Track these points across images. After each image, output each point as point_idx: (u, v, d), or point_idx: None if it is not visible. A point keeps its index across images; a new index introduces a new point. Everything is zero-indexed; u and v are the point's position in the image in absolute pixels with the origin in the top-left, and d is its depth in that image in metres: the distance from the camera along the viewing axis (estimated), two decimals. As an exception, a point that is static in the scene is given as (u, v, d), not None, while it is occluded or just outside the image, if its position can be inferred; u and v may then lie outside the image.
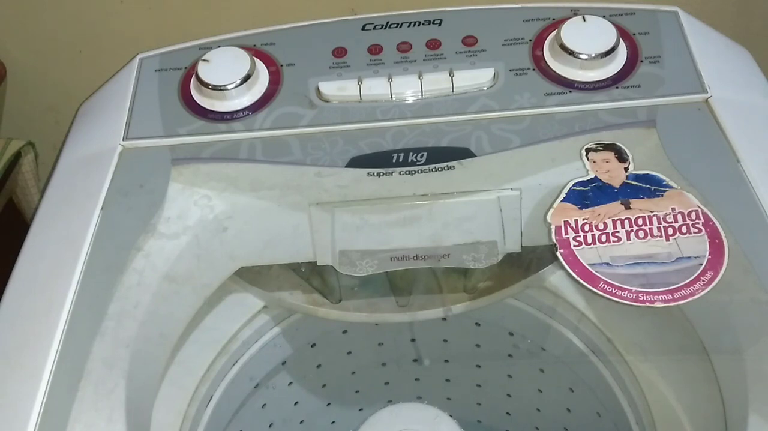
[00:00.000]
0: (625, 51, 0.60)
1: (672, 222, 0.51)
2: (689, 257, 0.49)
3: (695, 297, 0.48)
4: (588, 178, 0.55)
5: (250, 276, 0.68)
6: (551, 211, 0.53)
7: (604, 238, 0.51)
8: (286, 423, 0.80)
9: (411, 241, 0.60)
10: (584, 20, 0.61)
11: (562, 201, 0.54)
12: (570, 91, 0.59)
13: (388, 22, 0.65)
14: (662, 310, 0.48)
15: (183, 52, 0.65)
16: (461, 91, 0.60)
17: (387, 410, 0.71)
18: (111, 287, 0.51)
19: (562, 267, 0.50)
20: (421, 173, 0.57)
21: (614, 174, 0.54)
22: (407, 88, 0.60)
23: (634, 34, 0.62)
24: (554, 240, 0.52)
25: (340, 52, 0.63)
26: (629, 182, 0.54)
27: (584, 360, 0.67)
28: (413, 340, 0.78)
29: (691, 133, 0.56)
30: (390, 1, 0.71)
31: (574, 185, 0.54)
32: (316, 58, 0.63)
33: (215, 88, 0.60)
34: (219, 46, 0.63)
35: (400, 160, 0.57)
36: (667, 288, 0.48)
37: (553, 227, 0.52)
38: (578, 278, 0.50)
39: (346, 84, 0.60)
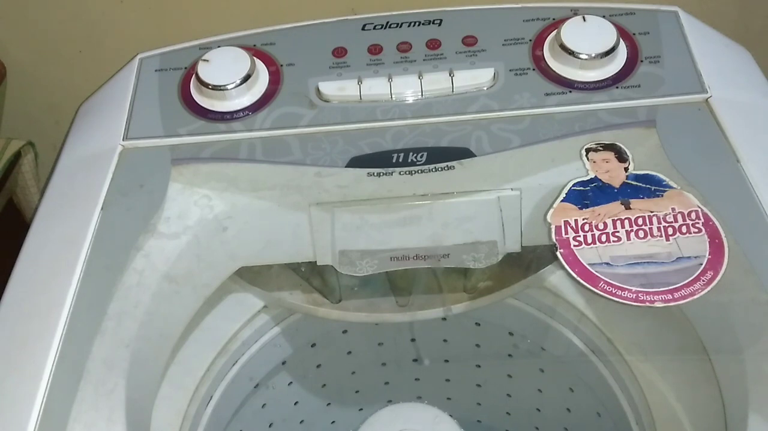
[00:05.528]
0: (625, 51, 0.60)
1: (672, 222, 0.51)
2: (689, 257, 0.49)
3: (695, 297, 0.48)
4: (588, 178, 0.55)
5: (250, 276, 0.68)
6: (551, 211, 0.53)
7: (604, 238, 0.51)
8: (286, 423, 0.80)
9: (411, 241, 0.60)
10: (584, 20, 0.61)
11: (562, 201, 0.54)
12: (570, 91, 0.59)
13: (388, 22, 0.65)
14: (662, 310, 0.48)
15: (183, 52, 0.65)
16: (461, 91, 0.60)
17: (387, 410, 0.71)
18: (111, 287, 0.51)
19: (562, 267, 0.50)
20: (421, 173, 0.57)
21: (614, 174, 0.54)
22: (407, 88, 0.60)
23: (634, 34, 0.62)
24: (554, 240, 0.52)
25: (340, 52, 0.63)
26: (629, 182, 0.54)
27: (584, 360, 0.67)
28: (413, 340, 0.78)
29: (691, 133, 0.56)
30: (390, 1, 0.71)
31: (574, 185, 0.54)
32: (316, 58, 0.63)
33: (215, 88, 0.60)
34: (219, 46, 0.63)
35: (400, 160, 0.57)
36: (667, 288, 0.48)
37: (553, 227, 0.52)
38: (578, 278, 0.50)
39: (346, 84, 0.60)
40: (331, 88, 0.60)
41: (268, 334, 0.71)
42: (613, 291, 0.49)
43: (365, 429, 0.69)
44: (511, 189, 0.58)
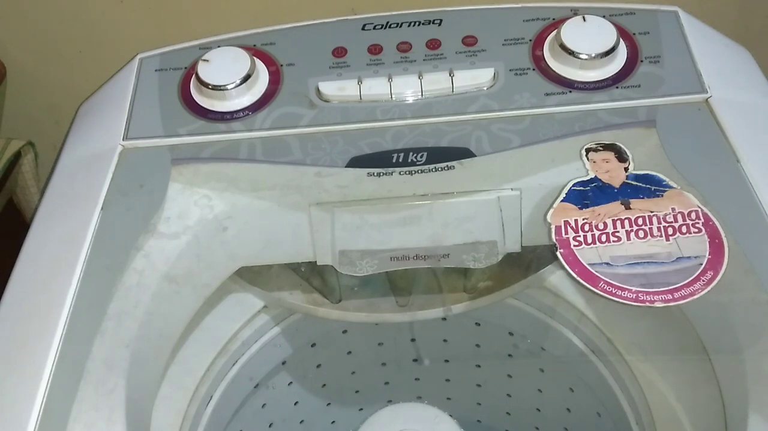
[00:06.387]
0: (625, 51, 0.60)
1: (672, 222, 0.51)
2: (689, 257, 0.49)
3: (695, 297, 0.48)
4: (588, 178, 0.55)
5: (250, 276, 0.68)
6: (551, 211, 0.53)
7: (604, 238, 0.51)
8: (286, 423, 0.80)
9: (411, 241, 0.60)
10: (584, 20, 0.61)
11: (562, 201, 0.54)
12: (570, 91, 0.59)
13: (388, 22, 0.65)
14: (662, 310, 0.48)
15: (183, 52, 0.65)
16: (461, 91, 0.60)
17: (387, 410, 0.71)
18: (111, 287, 0.51)
19: (562, 267, 0.50)
20: (421, 172, 0.57)
21: (614, 174, 0.54)
22: (407, 88, 0.60)
23: (634, 34, 0.62)
24: (554, 240, 0.52)
25: (340, 52, 0.63)
26: (629, 181, 0.54)
27: (584, 360, 0.67)
28: (413, 340, 0.78)
29: (691, 133, 0.56)
30: (390, 1, 0.71)
31: (574, 185, 0.54)
32: (316, 58, 0.63)
33: (215, 88, 0.60)
34: (219, 46, 0.63)
35: (400, 160, 0.57)
36: (667, 288, 0.48)
37: (553, 227, 0.52)
38: (578, 278, 0.50)
39: (346, 84, 0.60)
40: (331, 88, 0.60)
41: (268, 334, 0.71)
42: (613, 291, 0.49)
43: (365, 429, 0.69)
44: (511, 189, 0.58)
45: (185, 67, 0.64)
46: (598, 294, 0.49)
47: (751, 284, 0.49)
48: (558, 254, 0.51)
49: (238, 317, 0.69)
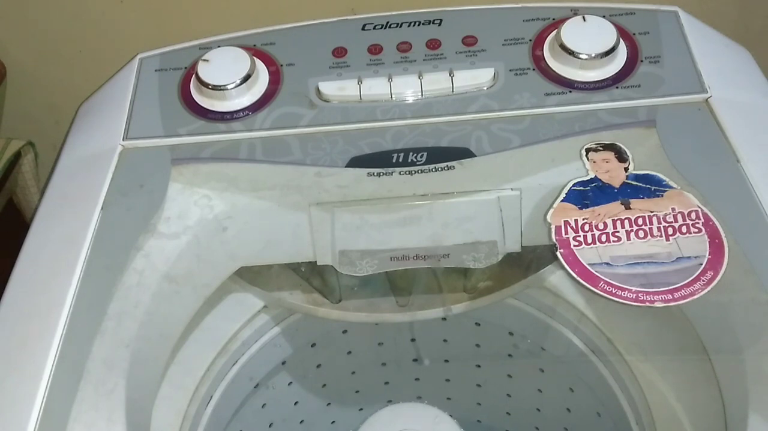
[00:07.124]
0: (625, 51, 0.60)
1: (672, 222, 0.51)
2: (689, 257, 0.49)
3: (695, 297, 0.48)
4: (588, 178, 0.55)
5: (250, 276, 0.68)
6: (551, 211, 0.53)
7: (604, 238, 0.51)
8: (286, 423, 0.80)
9: (411, 241, 0.60)
10: (584, 20, 0.61)
11: (562, 201, 0.54)
12: (570, 91, 0.59)
13: (388, 22, 0.65)
14: (662, 310, 0.48)
15: (183, 52, 0.65)
16: (461, 91, 0.60)
17: (387, 410, 0.71)
18: (111, 287, 0.51)
19: (562, 267, 0.50)
20: (421, 172, 0.57)
21: (614, 174, 0.54)
22: (407, 88, 0.60)
23: (634, 34, 0.62)
24: (554, 240, 0.52)
25: (340, 52, 0.63)
26: (629, 182, 0.54)
27: (584, 360, 0.67)
28: (413, 340, 0.78)
29: (691, 133, 0.56)
30: (390, 1, 0.71)
31: (574, 185, 0.54)
32: (316, 58, 0.63)
33: (215, 88, 0.60)
34: (219, 46, 0.63)
35: (400, 160, 0.57)
36: (667, 288, 0.48)
37: (553, 227, 0.52)
38: (578, 278, 0.50)
39: (346, 84, 0.60)
40: (331, 88, 0.60)
41: (268, 334, 0.71)
42: (613, 291, 0.49)
43: (365, 429, 0.69)
44: (511, 189, 0.58)
45: (185, 67, 0.64)
46: (598, 294, 0.49)
47: (751, 284, 0.49)
48: (558, 254, 0.51)
49: (238, 317, 0.69)
